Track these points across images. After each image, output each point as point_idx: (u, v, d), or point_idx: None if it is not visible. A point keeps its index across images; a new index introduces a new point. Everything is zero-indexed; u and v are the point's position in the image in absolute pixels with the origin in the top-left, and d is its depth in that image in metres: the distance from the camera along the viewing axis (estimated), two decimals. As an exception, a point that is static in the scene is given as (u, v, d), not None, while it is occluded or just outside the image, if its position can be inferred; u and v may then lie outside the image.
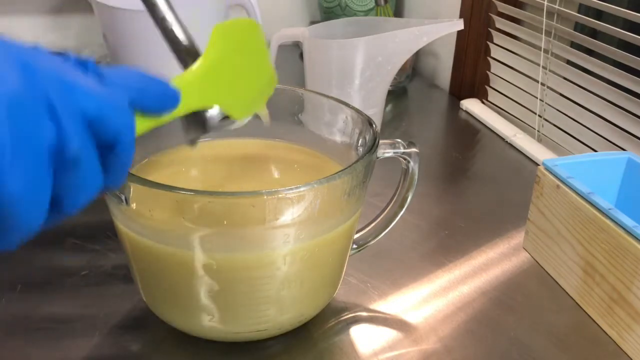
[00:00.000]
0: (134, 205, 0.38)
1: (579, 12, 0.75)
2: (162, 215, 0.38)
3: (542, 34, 0.76)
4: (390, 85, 0.74)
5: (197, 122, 0.37)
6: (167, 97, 0.32)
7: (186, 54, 0.39)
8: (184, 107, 0.33)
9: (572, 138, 0.74)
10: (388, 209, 0.48)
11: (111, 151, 0.27)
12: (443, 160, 0.75)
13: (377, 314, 0.48)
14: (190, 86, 0.34)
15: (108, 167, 0.27)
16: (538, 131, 0.79)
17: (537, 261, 0.55)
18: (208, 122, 0.37)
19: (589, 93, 0.70)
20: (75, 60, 0.27)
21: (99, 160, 0.27)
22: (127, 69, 0.30)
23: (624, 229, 0.44)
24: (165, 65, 0.39)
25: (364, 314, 0.48)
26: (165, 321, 0.44)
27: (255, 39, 0.41)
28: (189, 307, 0.41)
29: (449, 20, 0.69)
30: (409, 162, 0.45)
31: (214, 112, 0.37)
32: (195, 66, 0.35)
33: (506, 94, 0.86)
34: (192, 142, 0.39)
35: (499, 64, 0.86)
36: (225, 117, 0.38)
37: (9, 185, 0.22)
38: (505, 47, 0.85)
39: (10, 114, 0.22)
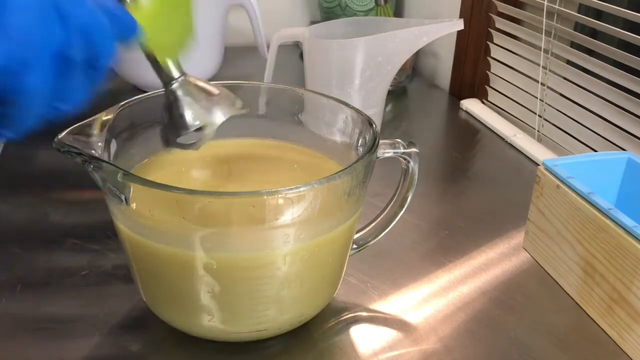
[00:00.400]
0: (134, 205, 0.38)
1: (579, 12, 0.75)
2: (162, 215, 0.38)
3: (542, 34, 0.76)
4: (390, 85, 0.74)
5: (174, 130, 0.40)
6: (129, 29, 0.35)
7: None
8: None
9: (572, 138, 0.74)
10: (388, 209, 0.48)
11: (92, 66, 0.31)
12: (443, 160, 0.75)
13: (377, 314, 0.48)
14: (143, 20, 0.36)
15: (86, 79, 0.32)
16: (538, 131, 0.79)
17: (537, 261, 0.55)
18: (183, 130, 0.40)
19: (589, 93, 0.70)
20: None
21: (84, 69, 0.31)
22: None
23: (624, 229, 0.44)
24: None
25: (364, 314, 0.48)
26: (165, 321, 0.44)
27: None
28: (189, 307, 0.41)
29: (449, 20, 0.69)
30: (409, 162, 0.45)
31: (191, 120, 0.40)
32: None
33: (506, 94, 0.86)
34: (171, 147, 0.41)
35: (499, 64, 0.86)
36: (198, 129, 0.40)
37: (30, 80, 0.28)
38: (505, 47, 0.85)
39: (27, 17, 0.27)
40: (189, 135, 0.41)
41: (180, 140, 0.41)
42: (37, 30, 0.27)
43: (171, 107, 0.40)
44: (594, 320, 0.48)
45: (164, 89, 0.41)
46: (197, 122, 0.40)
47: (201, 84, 0.41)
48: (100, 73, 0.32)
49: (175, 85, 0.40)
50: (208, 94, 0.41)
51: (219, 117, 0.41)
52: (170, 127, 0.41)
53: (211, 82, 0.43)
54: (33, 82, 0.28)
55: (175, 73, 0.40)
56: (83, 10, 0.30)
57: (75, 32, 0.29)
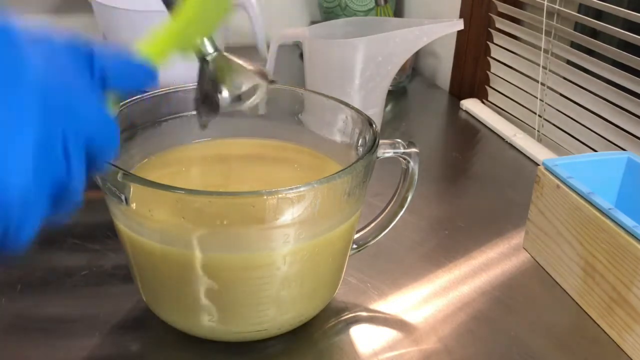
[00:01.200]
0: (134, 205, 0.38)
1: (579, 12, 0.75)
2: (162, 215, 0.38)
3: (542, 34, 0.76)
4: (390, 85, 0.74)
5: (209, 106, 0.38)
6: (147, 79, 0.33)
7: None
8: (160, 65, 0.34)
9: (572, 138, 0.74)
10: (388, 209, 0.48)
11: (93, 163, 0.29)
12: (443, 160, 0.75)
13: (377, 314, 0.48)
14: (161, 50, 0.35)
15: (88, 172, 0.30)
16: (538, 131, 0.79)
17: (537, 261, 0.55)
18: (220, 104, 0.38)
19: (589, 93, 0.70)
20: (84, 59, 0.29)
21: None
22: (118, 59, 0.32)
23: (624, 229, 0.44)
24: (165, 65, 0.40)
25: (364, 314, 0.48)
26: (165, 321, 0.44)
27: None
28: (189, 307, 0.41)
29: (449, 20, 0.69)
30: (409, 162, 0.45)
31: (225, 94, 0.38)
32: (173, 23, 0.36)
33: (506, 94, 0.86)
34: (204, 125, 0.40)
35: (499, 64, 0.86)
36: (236, 98, 0.39)
37: (28, 221, 0.27)
38: (505, 47, 0.85)
39: (34, 153, 0.25)
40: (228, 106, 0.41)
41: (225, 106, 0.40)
42: (35, 166, 0.25)
43: (211, 78, 0.40)
44: (594, 320, 0.48)
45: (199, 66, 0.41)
46: (243, 87, 0.40)
47: (236, 59, 0.42)
48: (103, 167, 0.31)
49: (210, 58, 0.40)
50: (244, 67, 0.42)
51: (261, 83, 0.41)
52: (210, 101, 0.40)
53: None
54: (31, 216, 0.27)
55: (210, 48, 0.40)
56: (86, 126, 0.27)
57: (78, 157, 0.27)
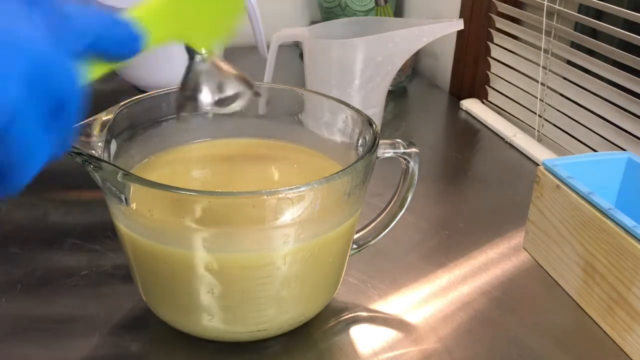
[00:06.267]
0: (134, 205, 0.38)
1: (579, 12, 0.75)
2: (162, 215, 0.38)
3: (542, 34, 0.76)
4: (390, 85, 0.74)
5: (190, 103, 0.38)
6: (130, 41, 0.30)
7: None
8: (147, 45, 0.31)
9: (572, 138, 0.74)
10: (388, 209, 0.48)
11: (59, 110, 0.26)
12: (443, 160, 0.75)
13: (377, 314, 0.48)
14: (154, 18, 0.32)
15: (56, 125, 0.27)
16: (538, 131, 0.79)
17: (537, 261, 0.55)
18: (199, 106, 0.38)
19: (589, 93, 0.70)
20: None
21: (42, 120, 0.26)
22: (91, 9, 0.28)
23: (624, 229, 0.44)
24: (165, 65, 0.40)
25: (364, 314, 0.48)
26: (165, 321, 0.44)
27: None
28: (189, 307, 0.41)
29: (449, 20, 0.69)
30: (409, 162, 0.45)
31: (206, 97, 0.38)
32: None
33: (506, 94, 0.86)
34: (182, 120, 0.40)
35: (499, 64, 0.86)
36: (217, 102, 0.39)
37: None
38: (505, 47, 0.85)
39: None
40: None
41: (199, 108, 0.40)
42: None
43: (195, 78, 0.40)
44: (594, 320, 0.48)
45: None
46: (219, 96, 0.40)
47: (224, 64, 0.41)
48: (70, 113, 0.27)
49: (199, 59, 0.39)
50: (231, 73, 0.41)
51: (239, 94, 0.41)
52: (190, 97, 0.40)
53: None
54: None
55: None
56: (22, 50, 0.24)
57: (13, 82, 0.24)
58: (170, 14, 0.34)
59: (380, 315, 0.48)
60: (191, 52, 0.40)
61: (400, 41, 0.68)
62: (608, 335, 0.46)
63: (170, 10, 0.34)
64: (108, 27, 0.29)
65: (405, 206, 0.47)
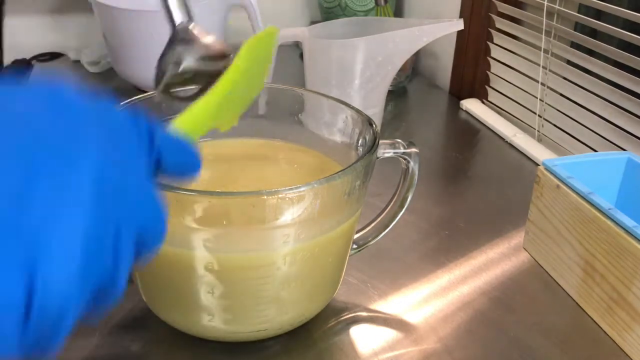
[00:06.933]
0: (134, 205, 0.38)
1: (579, 12, 0.75)
2: (162, 215, 0.38)
3: (542, 34, 0.76)
4: (390, 85, 0.74)
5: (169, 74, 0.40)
6: (196, 167, 0.31)
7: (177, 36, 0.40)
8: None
9: (572, 138, 0.73)
10: (388, 209, 0.48)
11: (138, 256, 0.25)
12: (443, 160, 0.75)
13: (377, 314, 0.48)
14: (199, 127, 0.35)
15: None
16: (538, 131, 0.79)
17: (537, 261, 0.55)
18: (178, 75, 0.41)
19: (589, 93, 0.70)
20: (144, 136, 0.25)
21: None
22: (173, 140, 0.29)
23: (624, 229, 0.44)
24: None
25: (364, 314, 0.48)
26: (165, 321, 0.44)
27: (270, 46, 0.41)
28: (189, 307, 0.41)
29: (449, 20, 0.69)
30: (409, 162, 0.45)
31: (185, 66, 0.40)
32: (209, 104, 0.35)
33: (506, 94, 0.86)
34: (161, 101, 0.41)
35: (499, 64, 0.86)
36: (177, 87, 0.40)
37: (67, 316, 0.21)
38: (505, 47, 0.85)
39: (82, 243, 0.21)
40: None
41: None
42: (82, 262, 0.21)
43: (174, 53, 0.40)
44: (594, 320, 0.48)
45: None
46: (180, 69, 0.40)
47: (202, 36, 0.41)
48: (150, 256, 0.26)
49: (179, 27, 0.40)
50: (205, 45, 0.41)
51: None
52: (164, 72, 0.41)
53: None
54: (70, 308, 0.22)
55: (178, 18, 0.40)
56: (139, 220, 0.23)
57: (127, 256, 0.23)
58: (211, 116, 0.36)
59: (380, 315, 0.48)
60: (172, 22, 0.40)
61: (400, 41, 0.68)
62: (608, 335, 0.46)
63: (211, 113, 0.36)
64: (182, 152, 0.29)
65: (405, 206, 0.47)
